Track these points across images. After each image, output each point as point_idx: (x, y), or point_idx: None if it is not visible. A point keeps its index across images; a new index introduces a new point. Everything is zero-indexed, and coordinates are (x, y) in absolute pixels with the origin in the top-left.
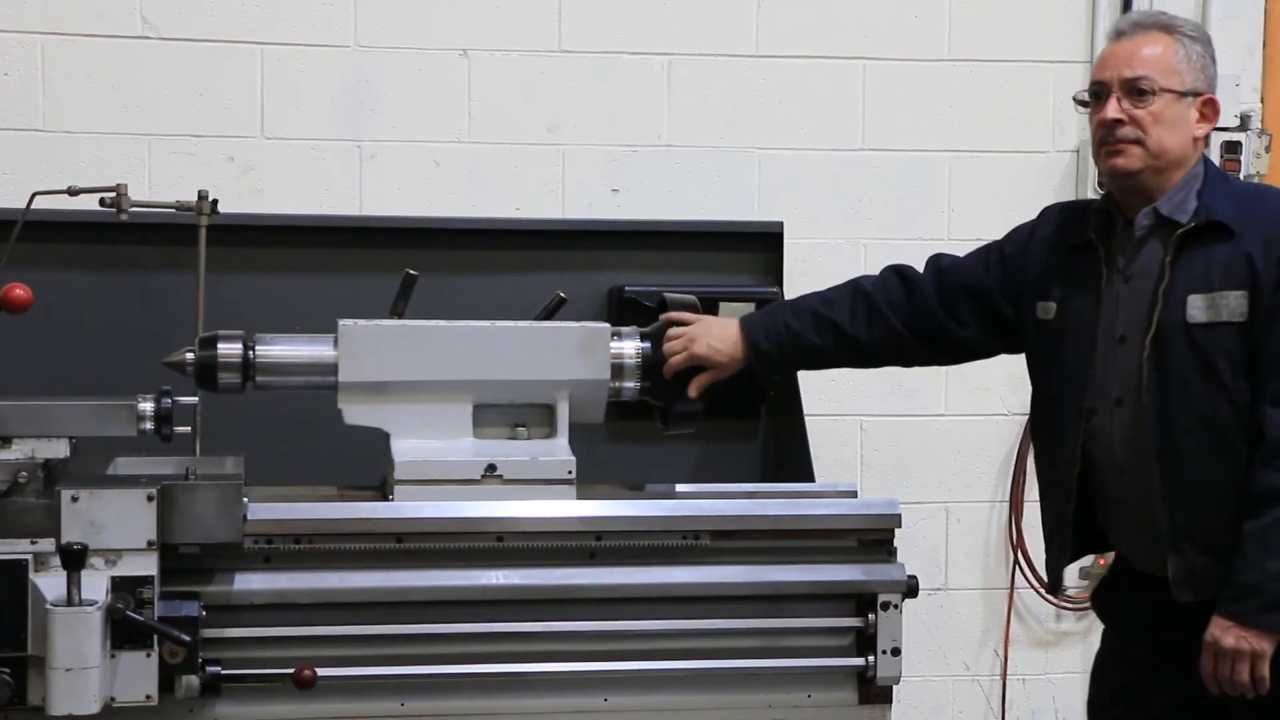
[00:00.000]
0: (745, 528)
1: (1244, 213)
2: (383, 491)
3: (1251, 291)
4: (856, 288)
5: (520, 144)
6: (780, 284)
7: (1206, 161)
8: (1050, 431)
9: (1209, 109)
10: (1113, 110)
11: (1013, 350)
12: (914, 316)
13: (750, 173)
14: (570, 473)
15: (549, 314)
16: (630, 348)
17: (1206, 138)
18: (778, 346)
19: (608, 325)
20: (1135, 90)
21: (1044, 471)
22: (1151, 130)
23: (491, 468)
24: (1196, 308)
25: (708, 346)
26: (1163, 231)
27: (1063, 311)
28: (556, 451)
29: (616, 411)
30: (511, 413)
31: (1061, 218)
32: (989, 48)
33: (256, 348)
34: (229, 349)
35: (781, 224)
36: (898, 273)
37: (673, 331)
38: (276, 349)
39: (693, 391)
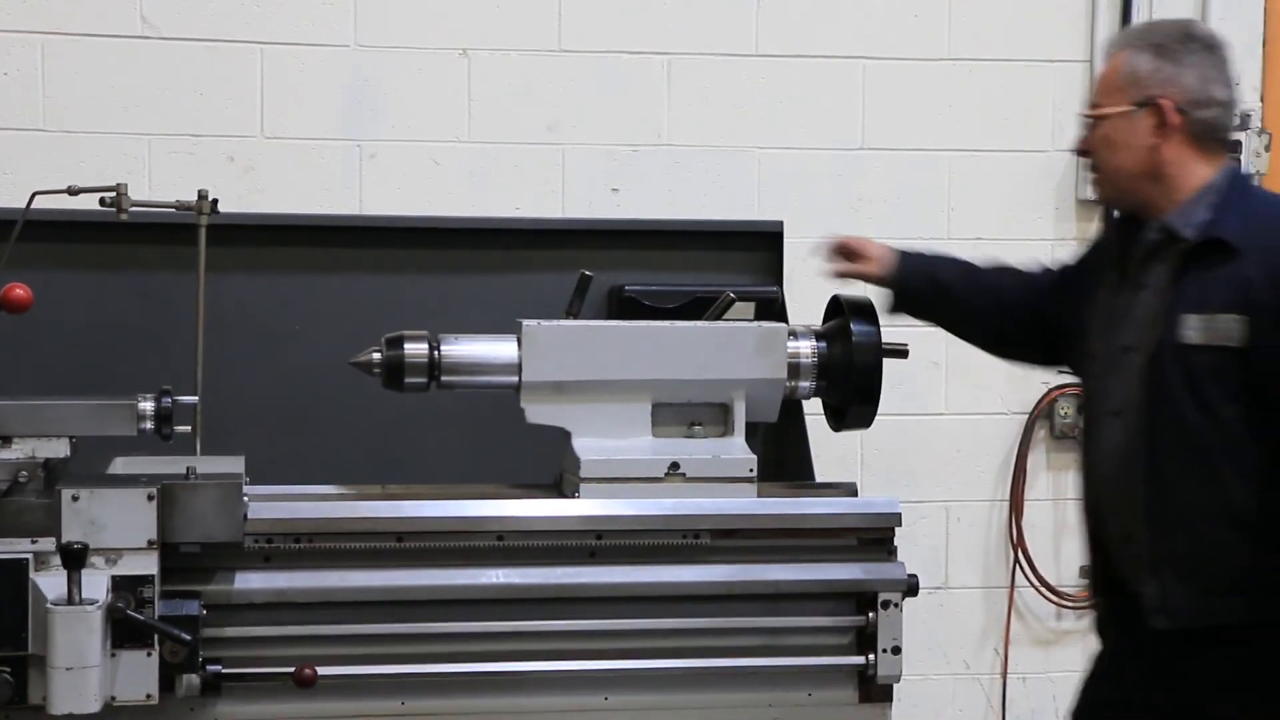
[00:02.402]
0: (745, 527)
1: (1253, 233)
2: (559, 488)
3: (1250, 317)
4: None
5: (520, 144)
6: (780, 283)
7: (1233, 174)
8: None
9: (1162, 113)
10: (1076, 142)
11: None
12: (1035, 278)
13: (750, 173)
14: (751, 470)
15: (719, 314)
16: (806, 347)
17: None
18: (919, 255)
19: (785, 325)
20: (1091, 118)
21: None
22: (1100, 154)
23: (675, 466)
24: (1191, 328)
25: (862, 240)
26: (1170, 245)
27: (1088, 313)
28: (736, 450)
29: None
30: (688, 412)
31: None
32: (989, 48)
33: (441, 347)
34: (415, 349)
35: (781, 224)
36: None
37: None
38: (461, 348)
39: (834, 272)
